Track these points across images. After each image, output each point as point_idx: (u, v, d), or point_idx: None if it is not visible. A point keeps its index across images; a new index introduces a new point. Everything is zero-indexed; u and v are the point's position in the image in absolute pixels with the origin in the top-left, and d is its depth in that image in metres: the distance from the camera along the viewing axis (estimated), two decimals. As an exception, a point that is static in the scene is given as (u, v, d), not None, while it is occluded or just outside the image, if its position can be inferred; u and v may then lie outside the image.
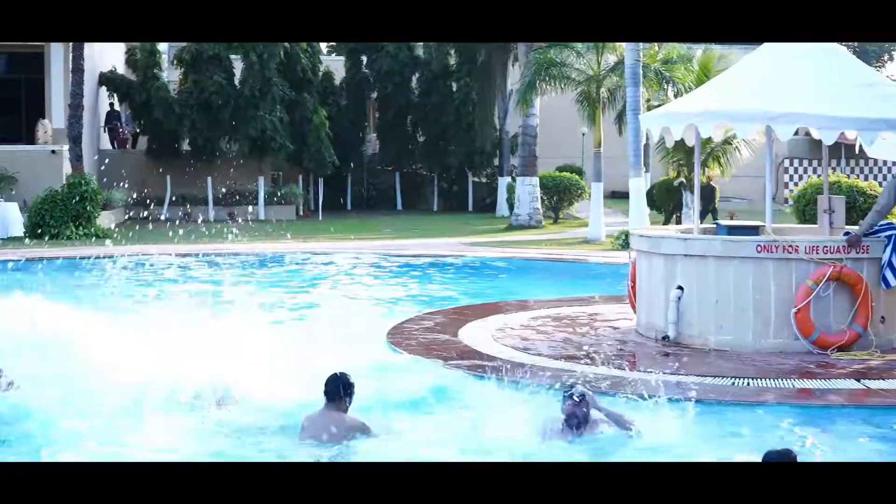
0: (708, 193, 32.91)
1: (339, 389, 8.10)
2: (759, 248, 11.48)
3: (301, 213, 41.64)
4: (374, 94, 46.48)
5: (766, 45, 12.25)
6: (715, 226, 14.05)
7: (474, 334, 12.69)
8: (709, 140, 26.97)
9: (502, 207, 42.09)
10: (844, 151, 47.70)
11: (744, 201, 45.36)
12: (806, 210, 22.90)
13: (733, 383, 10.07)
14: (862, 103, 11.46)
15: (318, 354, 9.82)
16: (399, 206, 46.47)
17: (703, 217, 30.29)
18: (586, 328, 13.33)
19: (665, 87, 29.70)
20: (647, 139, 26.95)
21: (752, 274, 11.50)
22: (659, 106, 29.91)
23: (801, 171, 51.05)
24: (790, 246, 11.38)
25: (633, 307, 13.30)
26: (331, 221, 37.80)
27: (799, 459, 6.01)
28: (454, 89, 44.87)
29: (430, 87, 45.14)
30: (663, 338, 12.02)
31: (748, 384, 10.06)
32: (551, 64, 30.26)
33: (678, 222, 33.67)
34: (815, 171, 50.42)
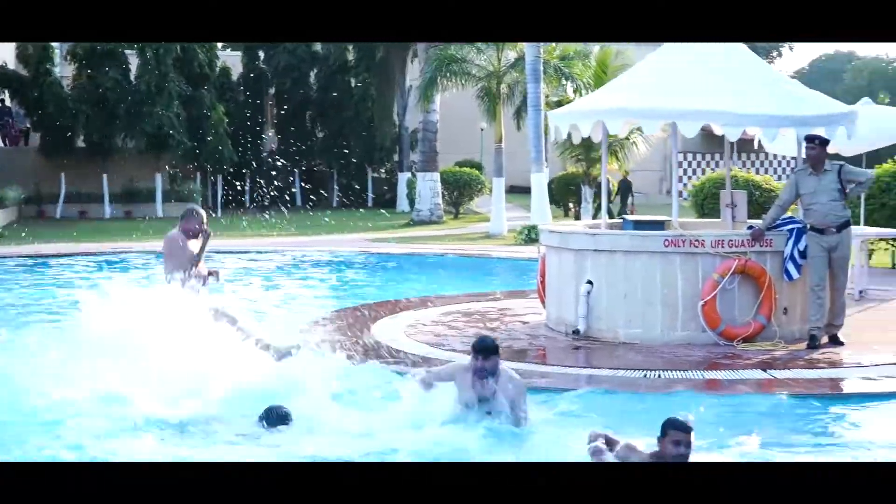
0: (626, 188, 33.71)
1: (275, 421, 8.17)
2: (666, 243, 11.69)
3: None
4: (272, 90, 46.26)
5: (669, 43, 12.51)
6: (621, 220, 14.30)
7: (386, 331, 12.71)
8: (609, 136, 27.36)
9: (402, 203, 42.22)
10: (738, 146, 48.85)
11: (639, 195, 46.12)
12: (704, 204, 23.37)
13: (645, 375, 10.26)
14: (764, 101, 11.77)
15: (238, 359, 9.79)
16: (298, 203, 46.28)
17: (622, 210, 31.12)
18: (497, 323, 13.45)
19: (564, 82, 30.08)
20: (546, 135, 27.26)
21: (659, 268, 11.71)
22: (559, 101, 30.34)
23: (694, 164, 52.09)
24: (696, 240, 11.62)
25: (543, 302, 13.45)
26: (231, 219, 37.46)
27: (708, 445, 6.23)
28: (353, 85, 44.88)
29: (329, 83, 45.11)
30: (574, 332, 12.18)
31: (659, 376, 10.25)
32: (452, 60, 30.44)
33: (577, 217, 34.20)
34: (708, 164, 51.50)
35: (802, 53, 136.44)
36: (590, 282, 12.06)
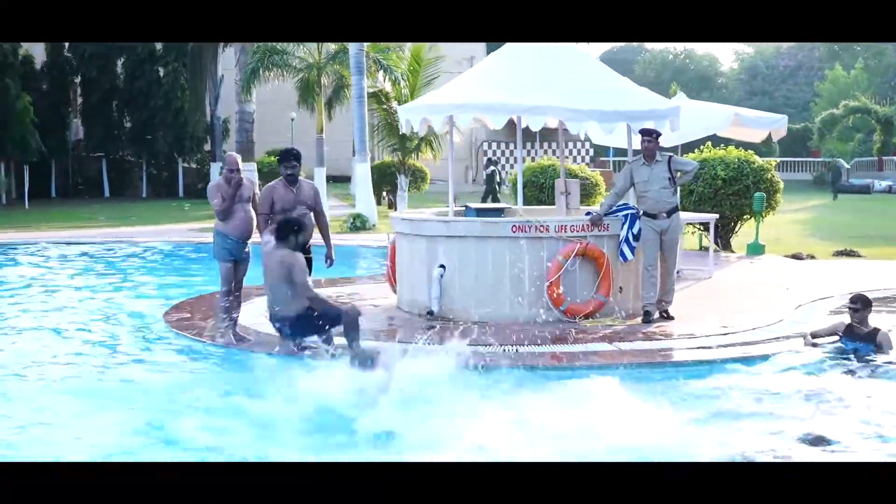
0: (490, 176, 35.35)
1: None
2: (514, 229, 12.58)
3: (4, 201, 40.22)
4: (78, 79, 45.41)
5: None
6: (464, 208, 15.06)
7: (247, 318, 13.12)
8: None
9: (215, 193, 42.07)
10: (541, 135, 50.63)
11: (444, 183, 47.30)
12: (525, 192, 24.34)
13: (504, 350, 11.07)
14: (600, 97, 12.76)
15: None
16: (106, 194, 45.61)
17: (487, 198, 32.59)
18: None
19: (384, 74, 30.78)
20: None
21: (508, 252, 12.60)
22: (375, 93, 31.05)
23: (499, 152, 53.72)
24: (542, 226, 12.56)
25: (393, 286, 14.19)
26: (39, 210, 36.70)
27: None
28: (161, 74, 44.47)
29: (137, 72, 44.54)
30: (428, 313, 12.96)
31: (517, 351, 11.06)
32: (274, 52, 30.70)
33: (390, 206, 35.04)
34: (511, 152, 53.16)
35: (594, 43, 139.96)
36: (442, 265, 12.87)
